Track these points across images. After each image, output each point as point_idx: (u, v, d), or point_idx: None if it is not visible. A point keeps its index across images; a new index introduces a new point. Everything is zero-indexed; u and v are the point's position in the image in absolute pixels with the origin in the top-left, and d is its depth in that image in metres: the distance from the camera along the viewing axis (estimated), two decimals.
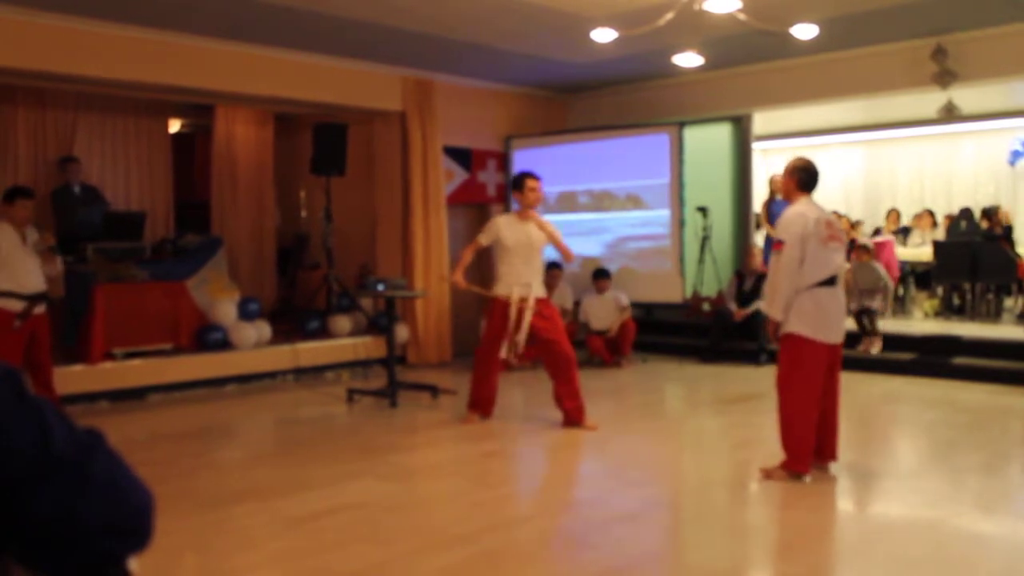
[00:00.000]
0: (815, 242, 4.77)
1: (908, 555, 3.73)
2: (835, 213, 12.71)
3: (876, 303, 8.71)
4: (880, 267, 9.05)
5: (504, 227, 6.31)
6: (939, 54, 8.26)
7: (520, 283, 6.21)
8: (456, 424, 6.71)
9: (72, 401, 6.95)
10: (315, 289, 9.98)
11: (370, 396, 7.43)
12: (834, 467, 5.02)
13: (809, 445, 4.81)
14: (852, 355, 8.66)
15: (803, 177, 4.94)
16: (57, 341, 7.04)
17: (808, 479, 4.81)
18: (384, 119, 9.69)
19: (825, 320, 4.79)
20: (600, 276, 9.41)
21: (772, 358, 8.90)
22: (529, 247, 6.28)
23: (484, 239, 6.37)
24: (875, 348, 8.60)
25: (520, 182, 6.35)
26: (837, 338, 4.90)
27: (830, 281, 4.84)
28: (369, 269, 9.84)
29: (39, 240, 6.14)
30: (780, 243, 4.85)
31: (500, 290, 6.26)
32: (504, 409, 7.74)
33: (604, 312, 9.26)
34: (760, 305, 9.05)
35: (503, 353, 6.26)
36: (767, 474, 4.89)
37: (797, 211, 4.87)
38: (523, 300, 6.17)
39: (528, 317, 6.17)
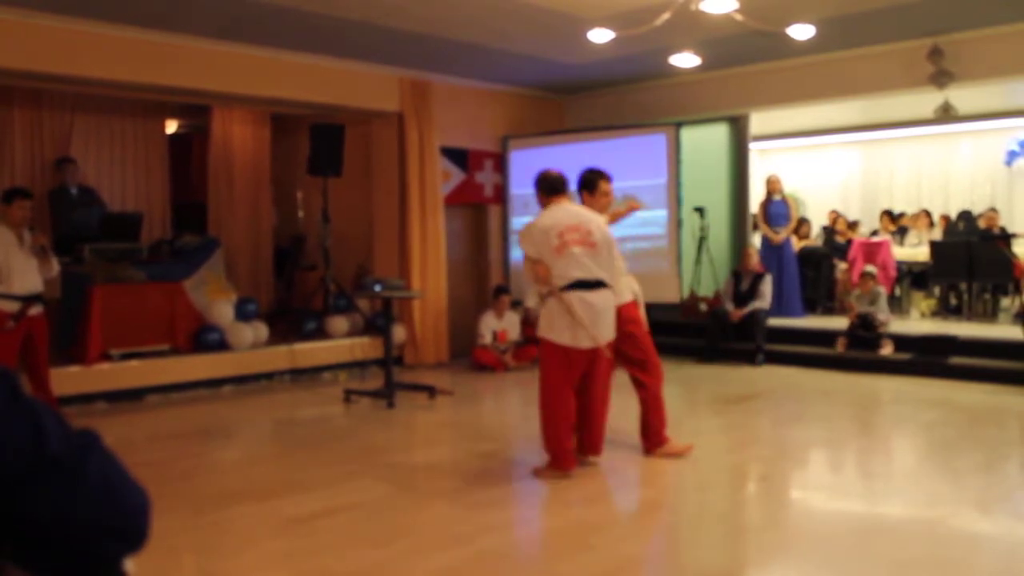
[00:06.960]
0: (547, 253, 4.85)
1: (905, 555, 3.73)
2: (833, 212, 12.79)
3: (883, 315, 8.76)
4: (883, 291, 9.05)
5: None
6: (935, 54, 8.27)
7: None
8: (453, 424, 6.71)
9: (69, 402, 6.94)
10: (312, 290, 9.97)
11: (367, 397, 7.43)
12: (835, 467, 5.02)
13: (562, 444, 4.96)
14: (849, 355, 8.71)
15: (543, 185, 5.11)
16: (54, 342, 7.03)
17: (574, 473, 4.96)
18: (381, 120, 9.69)
19: (568, 325, 4.82)
20: None
21: (769, 358, 8.96)
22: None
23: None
24: (886, 350, 8.62)
25: (593, 183, 5.29)
26: (587, 343, 4.85)
27: (581, 285, 4.83)
28: (366, 270, 9.84)
29: (31, 240, 6.12)
30: None
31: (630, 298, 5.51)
32: (502, 409, 7.75)
33: None
34: (755, 304, 9.07)
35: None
36: (537, 473, 5.03)
37: (529, 224, 5.03)
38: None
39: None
